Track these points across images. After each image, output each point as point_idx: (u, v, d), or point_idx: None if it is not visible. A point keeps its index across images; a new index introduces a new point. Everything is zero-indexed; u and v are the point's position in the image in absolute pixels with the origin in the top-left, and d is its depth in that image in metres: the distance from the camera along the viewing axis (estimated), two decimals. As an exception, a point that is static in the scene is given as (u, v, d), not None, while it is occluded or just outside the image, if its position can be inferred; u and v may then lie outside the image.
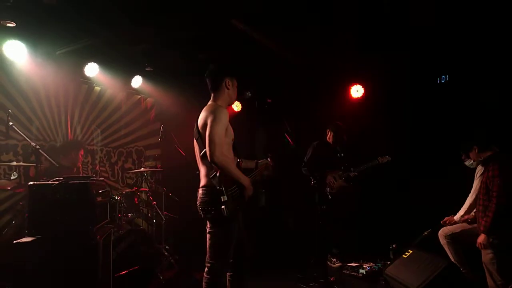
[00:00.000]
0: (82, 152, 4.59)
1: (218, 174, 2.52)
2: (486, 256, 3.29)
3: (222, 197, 2.49)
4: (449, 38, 4.24)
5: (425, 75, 4.86)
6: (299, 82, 5.66)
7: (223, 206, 2.47)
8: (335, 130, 4.80)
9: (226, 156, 2.51)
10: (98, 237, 2.83)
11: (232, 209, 2.52)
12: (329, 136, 4.84)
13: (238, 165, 2.79)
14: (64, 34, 4.17)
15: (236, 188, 2.59)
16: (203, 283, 2.59)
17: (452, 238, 3.68)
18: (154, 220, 4.65)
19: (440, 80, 4.74)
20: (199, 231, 2.92)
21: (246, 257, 2.79)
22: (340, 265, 4.51)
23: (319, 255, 4.18)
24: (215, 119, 2.50)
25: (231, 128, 2.69)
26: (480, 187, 3.46)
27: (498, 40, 4.04)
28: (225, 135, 2.55)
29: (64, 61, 4.60)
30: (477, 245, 3.32)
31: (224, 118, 2.54)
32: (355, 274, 4.23)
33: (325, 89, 5.61)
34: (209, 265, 2.59)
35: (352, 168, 4.71)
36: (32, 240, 2.65)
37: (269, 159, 3.11)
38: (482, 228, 3.28)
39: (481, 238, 3.27)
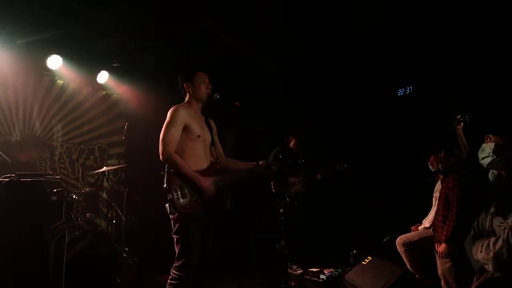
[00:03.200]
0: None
1: (166, 172, 2.58)
2: (444, 265, 3.36)
3: (168, 195, 2.53)
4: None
5: (387, 86, 5.02)
6: (269, 85, 5.67)
7: (166, 204, 2.53)
8: (297, 136, 4.87)
9: (174, 155, 2.56)
10: (50, 238, 2.68)
11: (178, 207, 2.52)
12: (293, 143, 4.91)
13: (214, 165, 2.77)
14: (25, 23, 3.94)
15: (187, 188, 2.57)
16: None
17: (409, 246, 3.78)
18: (114, 221, 4.49)
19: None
20: (165, 234, 2.84)
21: (206, 262, 2.74)
22: (302, 272, 4.51)
23: (280, 259, 4.19)
24: (167, 120, 2.63)
25: (195, 125, 2.69)
26: (440, 197, 3.56)
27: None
28: (182, 133, 2.61)
29: (24, 52, 4.35)
30: (438, 254, 3.39)
31: (176, 118, 2.61)
32: (316, 279, 4.27)
33: (295, 92, 5.66)
34: (173, 265, 2.60)
35: (310, 174, 4.80)
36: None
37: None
38: (443, 238, 3.33)
39: (442, 247, 3.32)
